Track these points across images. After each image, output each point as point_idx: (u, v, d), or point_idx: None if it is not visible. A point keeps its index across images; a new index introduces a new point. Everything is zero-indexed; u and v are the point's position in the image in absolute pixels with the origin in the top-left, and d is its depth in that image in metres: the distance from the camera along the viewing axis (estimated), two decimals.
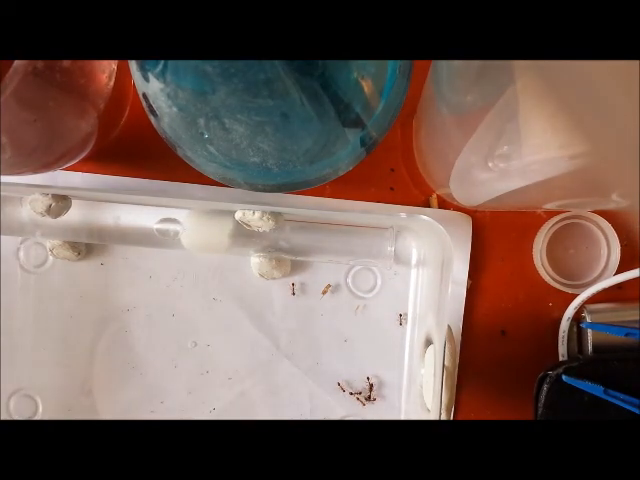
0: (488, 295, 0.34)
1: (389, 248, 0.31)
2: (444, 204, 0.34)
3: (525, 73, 0.17)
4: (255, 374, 0.34)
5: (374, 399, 0.34)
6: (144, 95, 0.22)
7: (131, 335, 0.34)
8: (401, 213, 0.28)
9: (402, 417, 0.34)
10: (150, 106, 0.22)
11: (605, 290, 0.32)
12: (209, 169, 0.24)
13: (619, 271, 0.33)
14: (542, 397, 0.30)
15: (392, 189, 0.34)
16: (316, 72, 0.19)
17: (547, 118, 0.17)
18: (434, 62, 0.24)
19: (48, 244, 0.32)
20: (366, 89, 0.21)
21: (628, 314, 0.32)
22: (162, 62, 0.19)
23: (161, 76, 0.19)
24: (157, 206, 0.31)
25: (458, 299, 0.33)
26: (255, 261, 0.32)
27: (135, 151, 0.33)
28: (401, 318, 0.33)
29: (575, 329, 0.33)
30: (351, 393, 0.34)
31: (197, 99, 0.19)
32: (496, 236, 0.34)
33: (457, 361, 0.33)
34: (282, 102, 0.19)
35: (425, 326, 0.31)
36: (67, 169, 0.33)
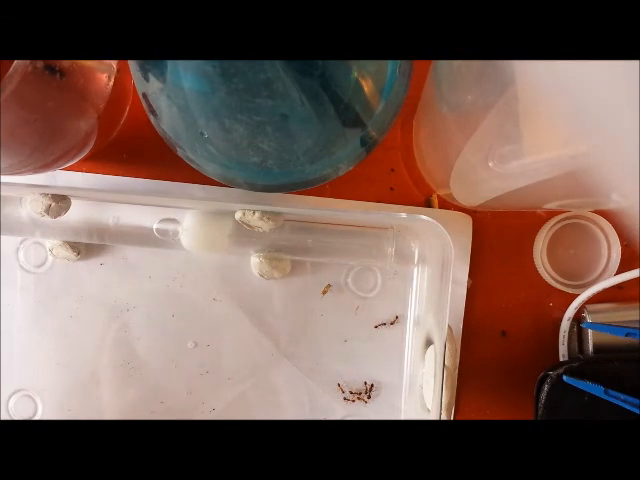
0: (488, 295, 0.34)
1: (389, 248, 0.31)
2: (444, 204, 0.33)
3: (525, 73, 0.17)
4: (255, 374, 0.34)
5: (374, 399, 0.34)
6: (144, 95, 0.22)
7: (131, 335, 0.34)
8: (401, 213, 0.28)
9: (402, 417, 0.34)
10: (150, 106, 0.22)
11: (606, 290, 0.32)
12: (209, 169, 0.24)
13: (619, 271, 0.33)
14: (542, 397, 0.30)
15: (392, 189, 0.34)
16: (316, 72, 0.19)
17: (547, 118, 0.17)
18: (434, 62, 0.24)
19: (48, 244, 0.32)
20: (366, 89, 0.21)
21: (628, 314, 0.32)
22: (162, 62, 0.19)
23: (161, 76, 0.19)
24: (157, 206, 0.31)
25: (458, 299, 0.33)
26: (255, 261, 0.32)
27: (135, 151, 0.33)
28: (396, 320, 0.33)
29: (576, 329, 0.33)
30: (351, 392, 0.34)
31: (197, 99, 0.19)
32: (496, 236, 0.34)
33: (457, 361, 0.33)
34: (282, 102, 0.19)
35: (425, 326, 0.31)
36: (67, 169, 0.33)
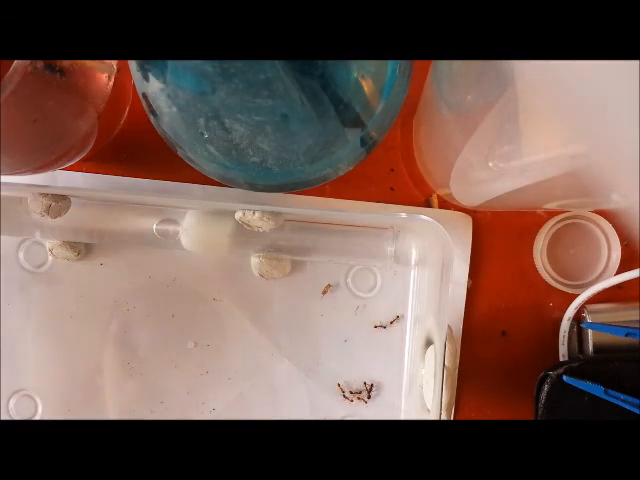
0: (488, 295, 0.34)
1: (389, 248, 0.31)
2: (444, 204, 0.33)
3: (525, 73, 0.17)
4: (255, 374, 0.34)
5: (374, 399, 0.34)
6: (144, 95, 0.22)
7: (131, 335, 0.34)
8: (401, 213, 0.28)
9: (402, 417, 0.34)
10: (150, 106, 0.22)
11: (606, 290, 0.32)
12: (209, 169, 0.24)
13: (619, 271, 0.33)
14: (542, 397, 0.30)
15: (392, 189, 0.34)
16: (316, 72, 0.19)
17: (547, 118, 0.17)
18: (434, 62, 0.24)
19: (48, 244, 0.32)
20: (366, 89, 0.21)
21: (628, 314, 0.32)
22: (162, 62, 0.19)
23: (161, 76, 0.19)
24: (157, 206, 0.31)
25: (458, 299, 0.33)
26: (255, 261, 0.32)
27: (135, 151, 0.33)
28: (396, 320, 0.33)
29: (576, 329, 0.33)
30: (351, 392, 0.34)
31: (197, 99, 0.19)
32: (496, 236, 0.34)
33: (457, 361, 0.33)
34: (282, 102, 0.19)
35: (425, 326, 0.31)
36: (67, 169, 0.33)
